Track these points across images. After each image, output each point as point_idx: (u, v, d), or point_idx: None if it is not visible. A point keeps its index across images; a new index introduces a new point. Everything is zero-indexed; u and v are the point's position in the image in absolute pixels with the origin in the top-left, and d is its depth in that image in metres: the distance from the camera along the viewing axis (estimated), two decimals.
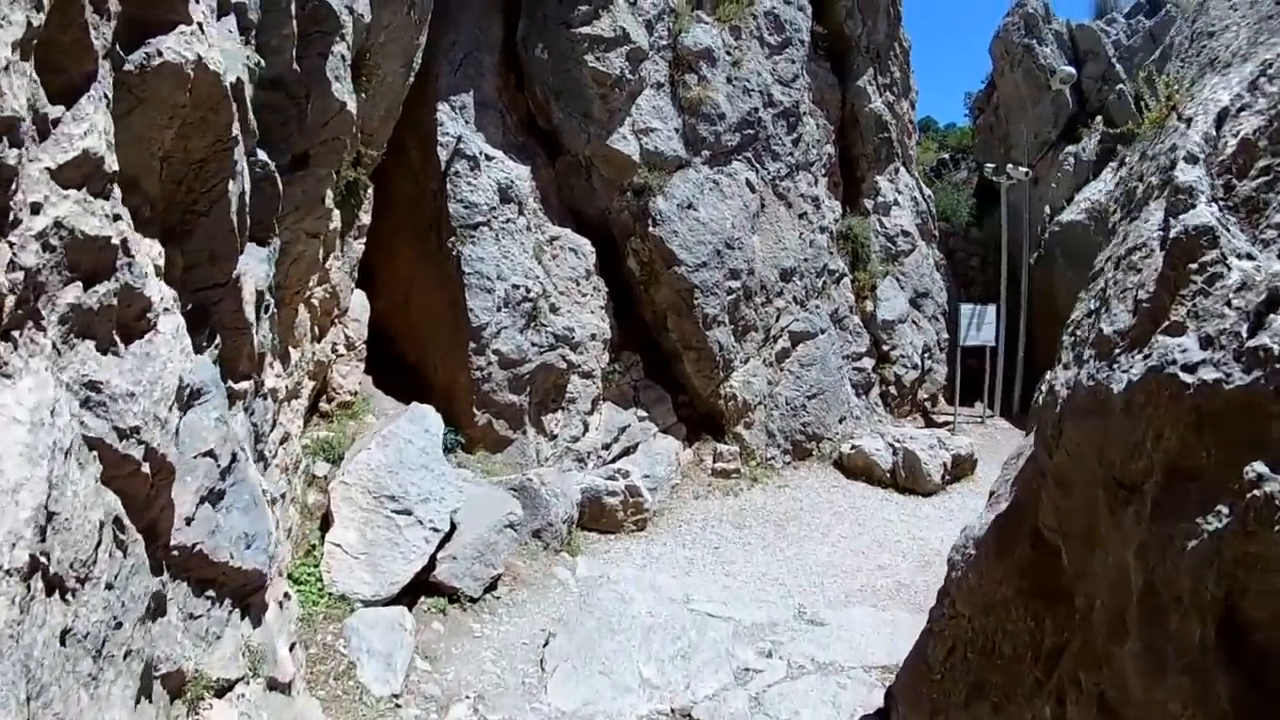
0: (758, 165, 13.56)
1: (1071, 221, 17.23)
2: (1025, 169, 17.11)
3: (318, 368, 8.19)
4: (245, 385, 4.67)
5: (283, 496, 6.20)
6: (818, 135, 14.96)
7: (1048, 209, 18.15)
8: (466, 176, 10.81)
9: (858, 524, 11.67)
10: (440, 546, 7.18)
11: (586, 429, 11.27)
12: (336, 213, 7.64)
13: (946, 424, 16.52)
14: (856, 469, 13.61)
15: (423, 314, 11.13)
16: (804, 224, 14.35)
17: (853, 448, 13.84)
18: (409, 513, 6.87)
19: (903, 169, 17.18)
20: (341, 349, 9.31)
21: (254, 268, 4.73)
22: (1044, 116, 18.58)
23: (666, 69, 12.67)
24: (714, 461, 12.74)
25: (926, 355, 16.92)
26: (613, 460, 11.51)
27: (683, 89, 12.73)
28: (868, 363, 15.81)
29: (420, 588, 7.10)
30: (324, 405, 9.31)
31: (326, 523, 6.83)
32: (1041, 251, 17.93)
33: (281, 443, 6.24)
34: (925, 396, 17.08)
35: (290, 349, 6.81)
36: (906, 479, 13.15)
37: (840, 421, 14.68)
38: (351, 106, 6.05)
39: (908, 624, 7.86)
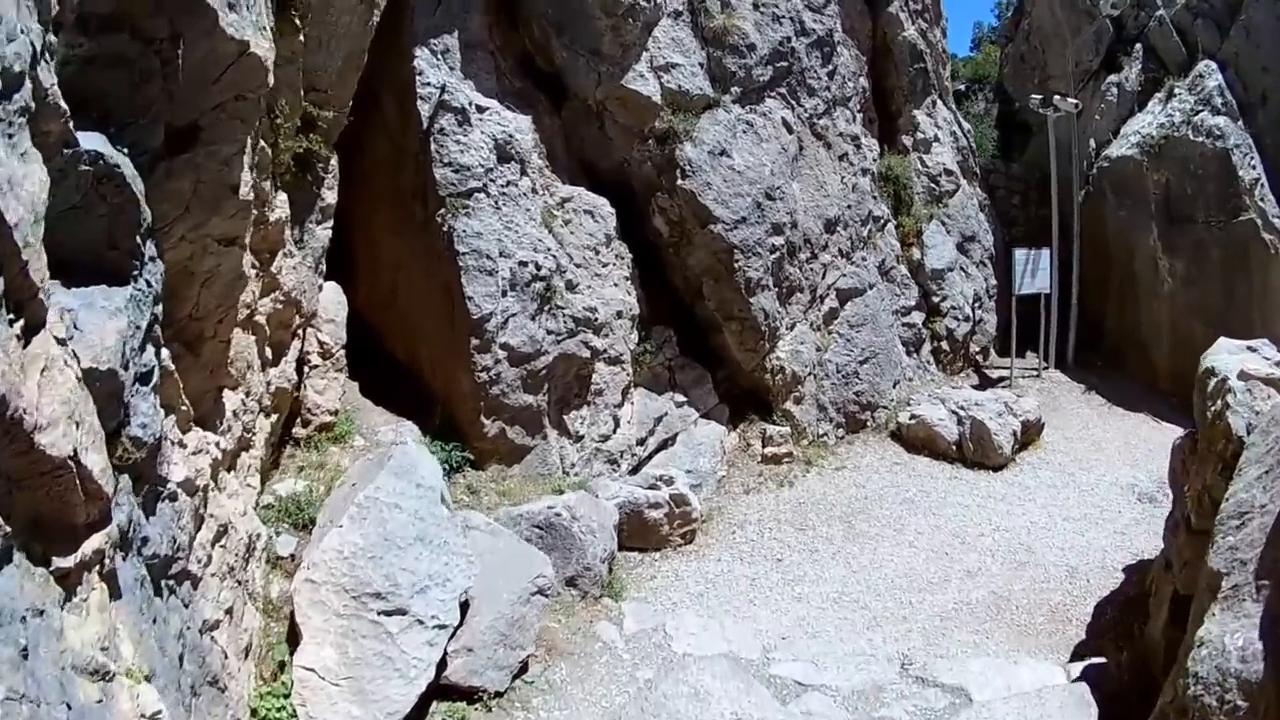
0: (793, 102, 11.34)
1: (1122, 157, 15.14)
2: (1074, 100, 14.96)
3: (279, 396, 6.12)
4: (94, 543, 2.61)
5: (228, 613, 4.21)
6: (853, 67, 12.78)
7: (1093, 142, 16.07)
8: (454, 134, 8.56)
9: (932, 513, 9.87)
10: (451, 637, 5.19)
11: (617, 424, 9.26)
12: (283, 198, 5.48)
13: (1002, 380, 14.60)
14: (918, 441, 11.76)
15: (412, 305, 9.00)
16: (845, 166, 12.17)
17: (913, 417, 11.96)
18: (403, 612, 4.85)
19: (939, 102, 15.05)
20: (315, 359, 7.23)
21: (95, 327, 2.64)
22: (1084, 45, 16.55)
23: None
24: (763, 445, 10.80)
25: (977, 305, 14.87)
26: (649, 457, 9.60)
27: (705, 17, 10.44)
28: (917, 317, 13.76)
29: (429, 693, 5.13)
30: (299, 430, 7.26)
31: (295, 632, 4.81)
32: (1090, 189, 15.86)
33: (217, 541, 4.21)
34: (977, 350, 15.08)
35: (224, 395, 4.74)
36: (975, 452, 11.33)
37: (894, 386, 12.77)
38: (262, 49, 3.81)
39: (1030, 672, 6.57)
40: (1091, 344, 15.88)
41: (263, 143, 5.01)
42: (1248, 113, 14.56)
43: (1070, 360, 15.53)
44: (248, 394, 5.15)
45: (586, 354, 8.93)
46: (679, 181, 9.92)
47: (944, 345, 14.26)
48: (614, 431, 9.16)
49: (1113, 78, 16.22)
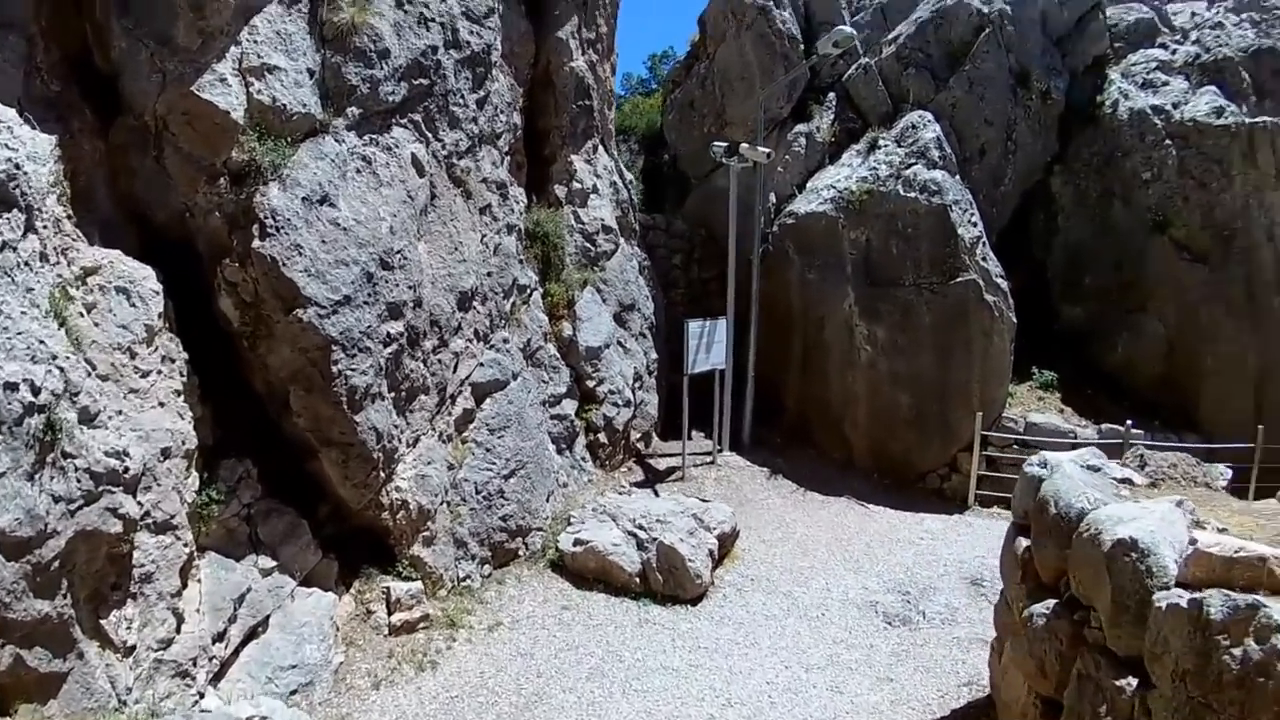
0: (429, 134, 10.75)
1: (812, 213, 16.67)
2: (765, 149, 16.21)
3: None
4: None
5: None
6: (508, 97, 12.56)
7: (773, 197, 17.57)
8: None
9: (633, 689, 9.31)
10: None
11: (181, 620, 7.64)
12: None
13: (672, 472, 15.18)
14: (588, 573, 11.64)
15: None
16: (487, 221, 11.75)
17: (578, 543, 11.84)
18: None
19: (601, 147, 15.60)
20: None
21: None
22: (778, 91, 18.20)
23: None
24: (389, 611, 9.87)
25: (637, 385, 15.32)
26: (233, 656, 8.13)
27: (328, 8, 9.43)
28: (569, 406, 13.76)
29: None
30: None
31: None
32: (769, 248, 17.21)
33: None
34: (638, 437, 15.53)
35: None
36: (666, 584, 11.37)
37: (548, 500, 12.62)
38: None
39: None
40: (769, 420, 16.90)
41: None
42: (963, 167, 16.61)
43: (746, 440, 16.43)
44: None
45: (118, 526, 7.19)
46: (255, 243, 8.58)
47: (601, 437, 14.40)
48: (177, 631, 7.52)
49: (801, 127, 17.78)
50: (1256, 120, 17.22)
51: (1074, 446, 15.08)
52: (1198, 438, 16.32)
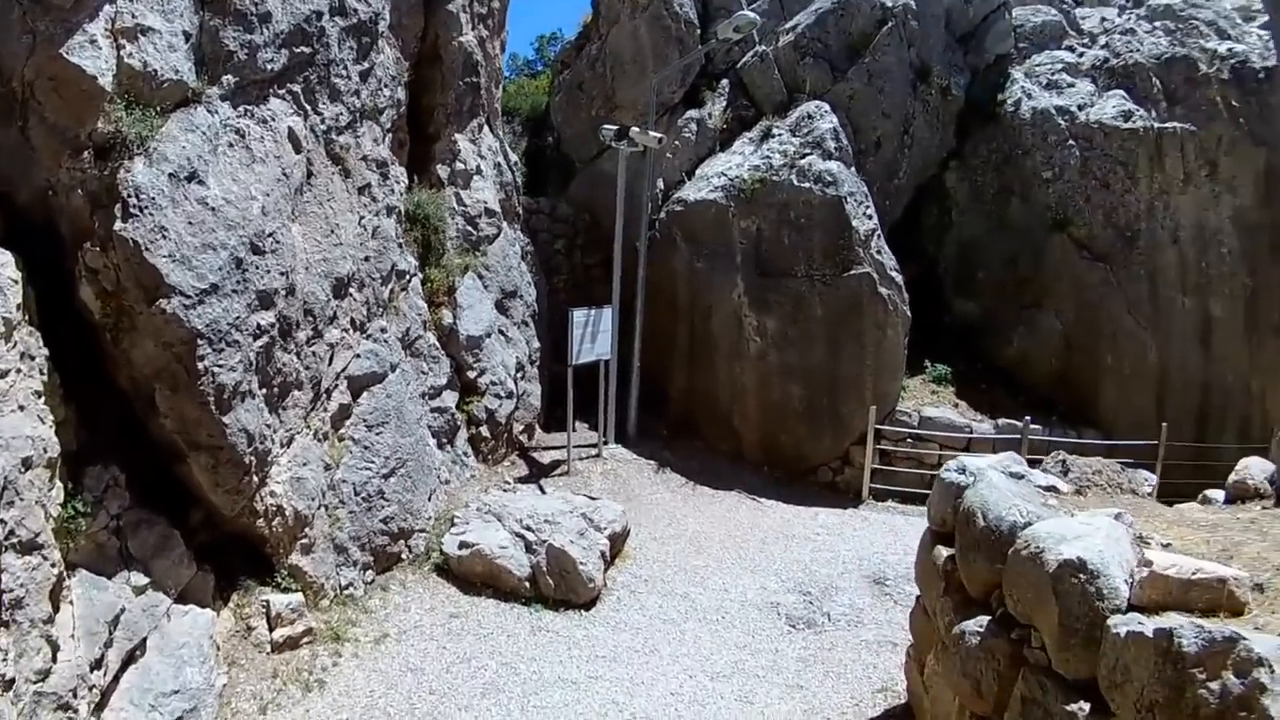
0: (309, 107, 10.29)
1: (701, 200, 16.76)
2: (657, 134, 16.20)
3: None
4: None
5: None
6: (393, 71, 12.18)
7: (661, 183, 17.74)
8: None
9: (531, 704, 9.06)
10: None
11: (56, 648, 7.06)
12: None
13: (557, 465, 15.13)
14: (475, 577, 11.42)
15: None
16: (366, 202, 11.33)
17: (464, 545, 11.63)
18: None
19: (487, 127, 15.39)
20: None
21: None
22: (671, 75, 18.33)
23: None
24: (270, 626, 9.42)
25: (520, 375, 15.09)
26: (113, 683, 7.64)
27: None
28: (450, 398, 13.49)
29: None
30: None
31: None
32: (656, 235, 17.24)
33: None
34: (521, 429, 15.33)
35: None
36: (558, 588, 11.26)
37: (430, 499, 12.40)
38: None
39: None
40: (655, 412, 16.93)
41: None
42: (858, 160, 16.95)
43: (632, 432, 16.42)
44: None
45: None
46: (117, 225, 7.99)
47: (483, 430, 14.21)
48: (54, 660, 6.97)
49: (693, 113, 17.84)
50: (1166, 125, 18.16)
51: (970, 442, 15.93)
52: (1097, 434, 17.20)
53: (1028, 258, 18.53)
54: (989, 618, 6.31)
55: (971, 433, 15.91)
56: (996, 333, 18.61)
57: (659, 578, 11.98)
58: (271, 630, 9.30)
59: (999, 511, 6.34)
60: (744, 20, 14.96)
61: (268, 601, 9.43)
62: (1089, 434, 16.94)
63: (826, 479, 16.24)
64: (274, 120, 9.59)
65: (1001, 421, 16.22)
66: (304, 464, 10.07)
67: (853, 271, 15.67)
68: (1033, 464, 14.55)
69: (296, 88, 10.06)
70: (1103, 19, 21.72)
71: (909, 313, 16.17)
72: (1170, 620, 4.74)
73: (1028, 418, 15.73)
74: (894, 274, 16.05)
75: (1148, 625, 4.76)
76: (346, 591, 10.46)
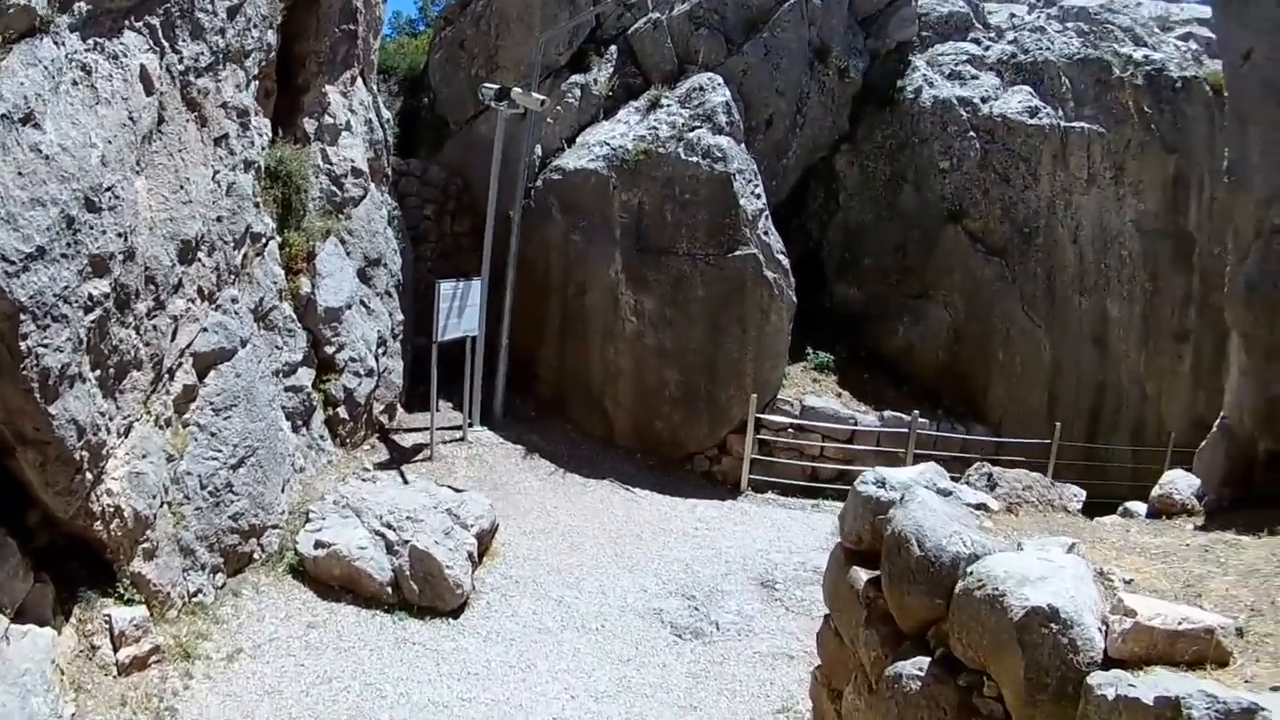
0: (166, 44, 8.90)
1: (581, 169, 15.99)
2: (540, 96, 15.20)
3: None
4: None
5: None
6: (264, 10, 10.83)
7: (539, 150, 16.87)
8: None
9: None
10: None
11: None
12: None
13: (419, 450, 14.17)
14: (332, 580, 10.38)
15: None
16: (222, 155, 10.04)
17: (320, 545, 10.55)
18: None
19: (360, 80, 14.18)
20: None
21: None
22: (559, 37, 17.49)
23: None
24: (115, 646, 8.20)
25: (381, 351, 13.99)
26: None
27: None
28: (306, 376, 12.36)
29: None
30: None
31: None
32: (531, 204, 16.39)
33: None
34: (381, 409, 14.29)
35: None
36: (422, 594, 10.31)
37: (283, 490, 11.29)
38: None
39: None
40: (523, 392, 16.23)
41: None
42: (747, 137, 16.32)
43: (499, 414, 15.69)
44: None
45: None
46: None
47: (341, 411, 13.17)
48: None
49: (578, 78, 17.02)
50: (1074, 124, 18.15)
51: (854, 434, 15.53)
52: (985, 430, 17.17)
53: (918, 247, 18.27)
54: (928, 658, 5.59)
55: (856, 424, 15.57)
56: (882, 321, 18.31)
57: (531, 579, 11.13)
58: (116, 650, 8.10)
59: (938, 540, 5.64)
60: None
61: (110, 616, 8.18)
62: (977, 430, 16.89)
63: (703, 468, 15.67)
64: (126, 56, 8.20)
65: (887, 414, 15.91)
66: (143, 456, 8.79)
67: (738, 252, 15.08)
68: (919, 459, 14.50)
69: (155, 20, 8.66)
70: (1011, 14, 21.70)
71: (794, 298, 15.69)
72: (1163, 680, 4.23)
73: (915, 412, 15.48)
74: (780, 257, 15.51)
75: (1143, 689, 4.18)
76: (195, 599, 9.27)
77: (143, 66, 8.42)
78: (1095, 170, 18.20)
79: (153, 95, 8.64)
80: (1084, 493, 7.97)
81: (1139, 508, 7.94)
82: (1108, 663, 4.53)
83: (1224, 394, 8.63)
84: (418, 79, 20.90)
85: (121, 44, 8.19)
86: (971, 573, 5.20)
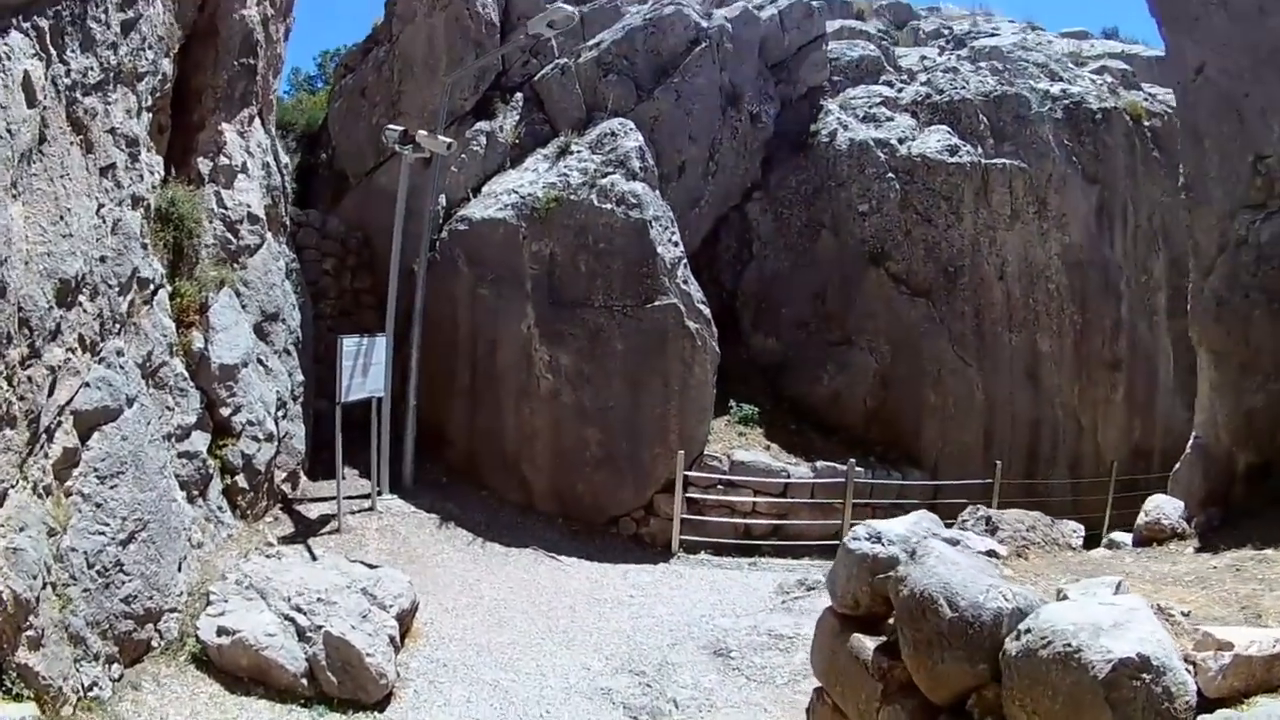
0: (55, 50, 7.85)
1: (489, 219, 15.37)
2: (447, 139, 14.34)
3: None
4: None
5: None
6: (161, 33, 9.98)
7: (443, 199, 16.28)
8: None
9: None
10: None
11: None
12: None
13: (326, 521, 12.98)
14: (240, 671, 9.11)
15: None
16: (109, 187, 8.96)
17: (223, 632, 9.30)
18: None
19: (259, 121, 13.47)
20: None
21: None
22: (465, 81, 17.21)
23: None
24: None
25: (281, 413, 12.85)
26: None
27: None
28: (200, 440, 11.20)
29: None
30: None
31: None
32: (436, 256, 15.69)
33: None
34: (284, 478, 13.19)
35: None
36: (341, 685, 9.11)
37: (180, 569, 10.02)
38: None
39: None
40: (434, 457, 15.46)
41: None
42: (660, 185, 15.94)
43: (409, 481, 14.77)
44: None
45: None
46: None
47: (240, 480, 12.10)
48: None
49: (483, 125, 16.76)
50: (994, 161, 18.13)
51: (787, 487, 14.86)
52: (921, 474, 16.75)
53: (838, 293, 17.97)
54: None
55: (789, 477, 14.95)
56: (804, 370, 17.88)
57: (460, 662, 9.93)
58: None
59: (973, 597, 4.89)
60: (560, 14, 13.48)
61: None
62: (913, 474, 16.49)
63: (630, 531, 14.80)
64: (9, 60, 7.13)
65: (820, 464, 15.32)
66: (21, 529, 7.49)
67: (657, 303, 14.48)
68: (857, 509, 13.91)
69: (44, 23, 7.59)
70: (922, 57, 21.99)
71: (718, 349, 15.12)
72: (1270, 709, 3.80)
73: (851, 460, 14.93)
74: (701, 306, 14.97)
75: None
76: (91, 694, 7.93)
77: (26, 73, 7.34)
78: (1018, 205, 18.25)
79: (35, 108, 7.55)
80: (1082, 527, 7.58)
81: (1124, 538, 7.60)
82: (1203, 704, 4.01)
83: (1193, 414, 8.45)
84: (315, 135, 20.35)
85: (6, 45, 7.13)
86: (1029, 629, 4.53)
